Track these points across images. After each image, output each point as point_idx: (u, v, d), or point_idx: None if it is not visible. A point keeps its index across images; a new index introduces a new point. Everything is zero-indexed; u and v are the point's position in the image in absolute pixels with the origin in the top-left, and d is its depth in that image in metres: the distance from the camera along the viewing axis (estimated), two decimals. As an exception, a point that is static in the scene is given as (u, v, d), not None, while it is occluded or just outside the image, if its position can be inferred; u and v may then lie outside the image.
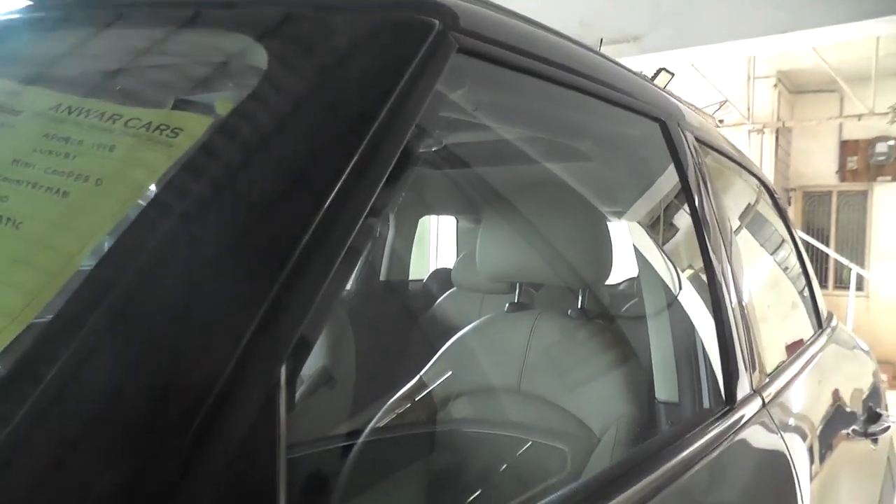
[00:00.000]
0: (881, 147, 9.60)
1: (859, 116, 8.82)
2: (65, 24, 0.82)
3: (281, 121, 0.57)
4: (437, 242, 4.54)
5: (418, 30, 0.69)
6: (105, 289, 0.45)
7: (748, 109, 9.27)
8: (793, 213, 10.17)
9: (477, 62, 0.78)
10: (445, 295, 2.80)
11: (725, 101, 9.05)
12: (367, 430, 1.45)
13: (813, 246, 9.15)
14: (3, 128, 0.61)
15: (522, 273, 1.53)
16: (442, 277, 3.18)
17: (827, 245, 9.54)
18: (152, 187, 0.53)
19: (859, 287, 9.03)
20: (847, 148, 9.88)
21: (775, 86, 9.26)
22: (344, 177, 0.51)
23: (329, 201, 0.50)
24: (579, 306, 1.51)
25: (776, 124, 9.28)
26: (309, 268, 0.46)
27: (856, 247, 9.80)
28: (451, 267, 2.81)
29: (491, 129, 1.31)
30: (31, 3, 0.88)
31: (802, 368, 1.57)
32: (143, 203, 0.51)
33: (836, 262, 9.47)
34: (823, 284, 9.86)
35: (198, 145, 0.55)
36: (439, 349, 1.59)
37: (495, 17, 0.92)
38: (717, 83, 8.84)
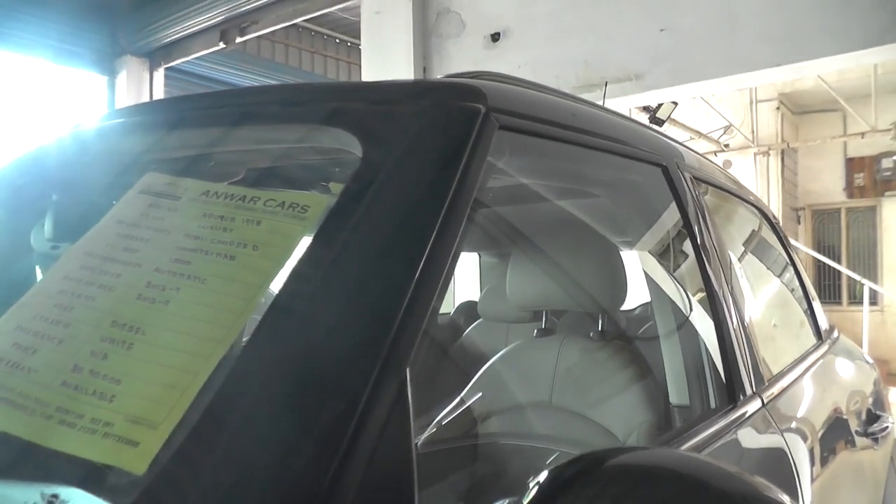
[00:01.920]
0: (887, 163, 9.77)
1: (863, 134, 9.00)
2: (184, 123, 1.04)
3: (380, 192, 0.78)
4: (455, 278, 4.70)
5: (469, 115, 0.91)
6: (278, 324, 0.66)
7: (753, 132, 9.48)
8: (803, 231, 10.31)
9: (513, 135, 0.99)
10: (473, 326, 2.99)
11: (730, 126, 9.27)
12: (417, 445, 1.63)
13: (825, 263, 9.30)
14: (171, 210, 0.83)
15: (548, 301, 1.73)
16: (468, 310, 3.38)
17: (838, 261, 9.67)
18: (297, 249, 0.74)
19: (873, 302, 9.14)
20: (853, 165, 10.07)
21: (778, 108, 9.47)
22: (436, 230, 0.72)
23: (427, 251, 0.70)
24: (600, 329, 1.71)
25: (781, 145, 9.48)
26: (419, 296, 0.67)
27: (868, 262, 9.93)
28: (476, 300, 2.98)
29: (519, 180, 1.52)
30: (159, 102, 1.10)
31: (802, 374, 1.77)
32: (293, 262, 0.72)
33: (849, 278, 9.59)
34: (837, 301, 9.97)
35: (324, 216, 0.76)
36: (472, 374, 1.80)
37: (523, 93, 1.14)
38: (720, 109, 9.06)
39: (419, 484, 0.64)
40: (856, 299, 9.65)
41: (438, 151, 0.84)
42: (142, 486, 0.57)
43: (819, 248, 9.94)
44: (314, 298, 0.68)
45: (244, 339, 0.67)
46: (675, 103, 7.18)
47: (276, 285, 0.71)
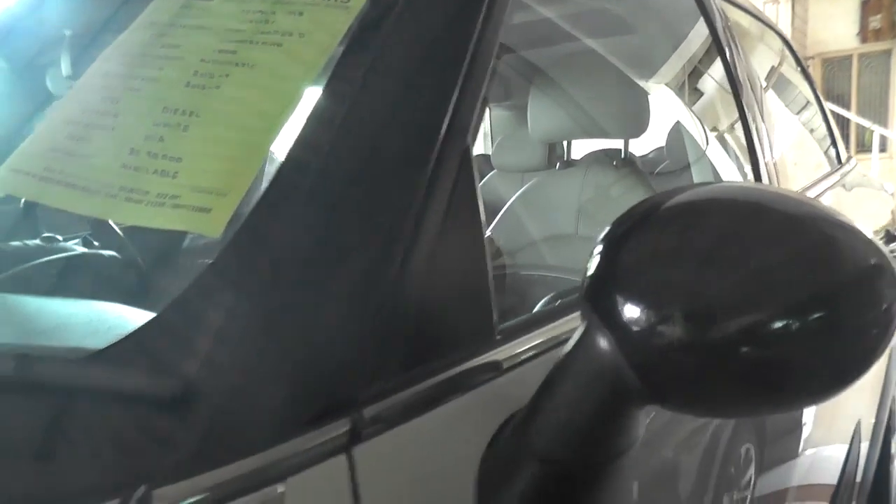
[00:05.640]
0: (905, 2, 9.45)
1: (880, -27, 8.68)
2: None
3: None
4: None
5: None
6: (333, 112, 0.66)
7: (763, -21, 9.15)
8: (812, 81, 10.11)
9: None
10: (487, 177, 2.98)
11: (739, -27, 8.92)
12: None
13: (833, 112, 9.16)
14: (206, 11, 0.80)
15: (570, 131, 1.71)
16: (480, 163, 3.37)
17: (848, 109, 9.48)
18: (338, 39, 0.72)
19: (882, 149, 9.05)
20: (869, 7, 9.70)
21: (790, -48, 9.11)
22: (472, 45, 0.71)
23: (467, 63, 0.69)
24: (623, 157, 1.70)
25: (792, -8, 9.18)
26: (470, 83, 0.67)
27: (878, 109, 9.75)
28: (490, 153, 2.97)
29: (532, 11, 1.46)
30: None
31: (822, 193, 1.77)
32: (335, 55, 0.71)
33: (858, 126, 9.45)
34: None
35: (367, 6, 0.74)
36: (489, 221, 1.79)
37: None
38: (730, -45, 8.70)
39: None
40: (864, 147, 9.56)
41: None
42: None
43: (828, 97, 9.74)
44: (367, 84, 0.67)
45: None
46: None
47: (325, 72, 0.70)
